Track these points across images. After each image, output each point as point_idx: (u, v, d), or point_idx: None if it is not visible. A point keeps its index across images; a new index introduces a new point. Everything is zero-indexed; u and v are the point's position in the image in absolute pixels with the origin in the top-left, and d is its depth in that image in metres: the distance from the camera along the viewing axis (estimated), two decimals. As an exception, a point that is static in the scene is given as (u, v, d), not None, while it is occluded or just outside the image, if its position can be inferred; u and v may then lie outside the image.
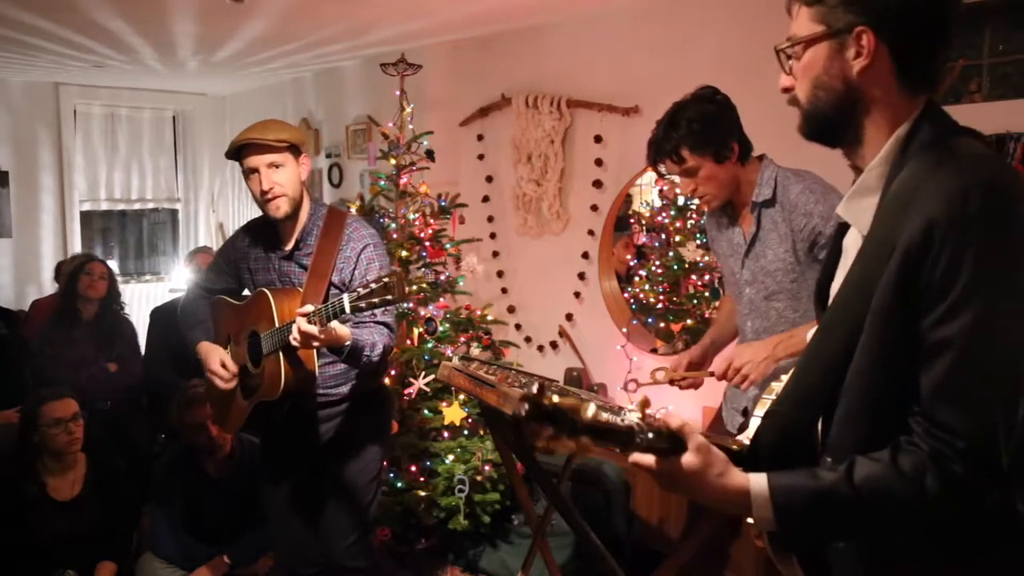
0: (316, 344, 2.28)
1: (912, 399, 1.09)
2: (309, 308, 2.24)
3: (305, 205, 2.59)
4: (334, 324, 2.25)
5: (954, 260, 1.02)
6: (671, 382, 2.48)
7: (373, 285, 2.14)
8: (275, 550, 2.92)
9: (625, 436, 1.04)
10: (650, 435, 1.06)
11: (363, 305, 2.14)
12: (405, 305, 3.74)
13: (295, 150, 2.53)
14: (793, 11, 1.23)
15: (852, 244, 1.25)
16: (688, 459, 1.11)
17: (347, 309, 2.15)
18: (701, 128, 2.28)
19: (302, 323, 2.21)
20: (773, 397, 1.30)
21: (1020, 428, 1.05)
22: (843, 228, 1.30)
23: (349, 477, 2.64)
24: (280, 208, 2.51)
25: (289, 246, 2.59)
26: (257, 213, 2.64)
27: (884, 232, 1.11)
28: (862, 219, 1.19)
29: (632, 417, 1.06)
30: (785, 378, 1.32)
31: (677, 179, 2.45)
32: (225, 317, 2.69)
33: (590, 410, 0.98)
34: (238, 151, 2.51)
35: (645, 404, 1.08)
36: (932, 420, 1.06)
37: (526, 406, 0.96)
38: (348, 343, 2.34)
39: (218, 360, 2.56)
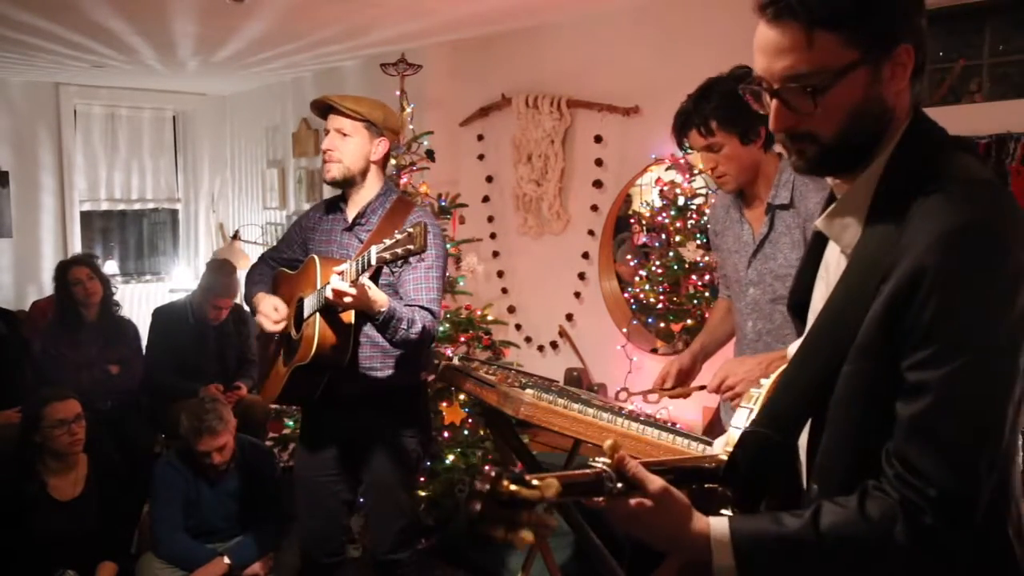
0: (349, 301, 2.28)
1: (891, 437, 1.05)
2: (344, 267, 2.29)
3: (374, 183, 2.62)
4: (369, 285, 2.29)
5: (940, 310, 1.00)
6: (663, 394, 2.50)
7: (398, 235, 2.18)
8: (300, 537, 2.87)
9: (595, 486, 1.04)
10: (618, 484, 1.06)
11: (388, 256, 2.18)
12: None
13: (372, 127, 2.56)
14: (814, 39, 1.06)
15: (833, 259, 1.20)
16: (646, 503, 1.07)
17: (373, 261, 2.20)
18: (734, 103, 2.16)
19: (334, 279, 2.26)
20: (751, 406, 1.27)
21: (995, 474, 1.03)
22: (822, 239, 1.24)
23: (386, 468, 2.62)
24: (330, 172, 2.57)
25: (350, 217, 2.64)
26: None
27: (871, 258, 1.07)
28: (844, 236, 1.14)
29: (601, 462, 1.06)
30: (766, 383, 1.28)
31: (693, 158, 2.40)
32: (281, 290, 2.72)
33: (552, 488, 0.96)
34: (324, 110, 2.60)
35: (615, 448, 1.08)
36: (905, 463, 1.02)
37: (479, 505, 0.92)
38: (384, 309, 2.34)
39: (271, 304, 2.57)
